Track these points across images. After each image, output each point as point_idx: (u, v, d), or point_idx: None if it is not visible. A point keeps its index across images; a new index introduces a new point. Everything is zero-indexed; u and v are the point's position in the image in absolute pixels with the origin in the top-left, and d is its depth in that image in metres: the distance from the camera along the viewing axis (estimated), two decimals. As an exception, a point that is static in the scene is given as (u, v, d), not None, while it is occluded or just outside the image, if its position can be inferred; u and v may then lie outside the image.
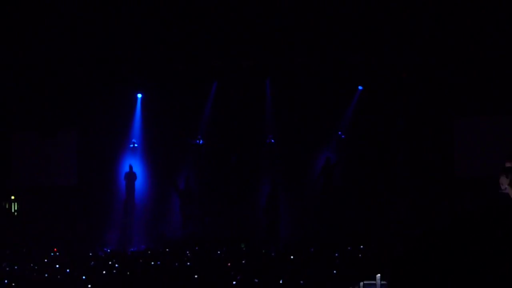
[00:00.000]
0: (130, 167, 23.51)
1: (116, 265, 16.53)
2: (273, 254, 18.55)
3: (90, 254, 19.27)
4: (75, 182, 23.51)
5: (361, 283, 10.11)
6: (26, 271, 15.99)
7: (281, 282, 14.13)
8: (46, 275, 15.17)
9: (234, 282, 14.12)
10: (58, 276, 15.05)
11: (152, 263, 16.57)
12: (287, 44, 21.92)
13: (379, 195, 22.35)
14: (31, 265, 16.74)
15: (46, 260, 17.74)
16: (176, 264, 16.05)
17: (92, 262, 16.93)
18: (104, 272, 15.44)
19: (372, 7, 21.04)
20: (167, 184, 23.62)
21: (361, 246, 19.00)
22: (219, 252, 18.95)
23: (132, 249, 20.88)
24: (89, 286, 14.27)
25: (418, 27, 21.21)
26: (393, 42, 21.46)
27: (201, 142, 23.31)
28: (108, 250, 20.55)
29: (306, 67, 22.23)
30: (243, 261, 16.40)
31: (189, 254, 18.35)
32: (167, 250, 19.57)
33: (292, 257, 17.10)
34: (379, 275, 9.80)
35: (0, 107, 23.40)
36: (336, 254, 17.41)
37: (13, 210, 23.85)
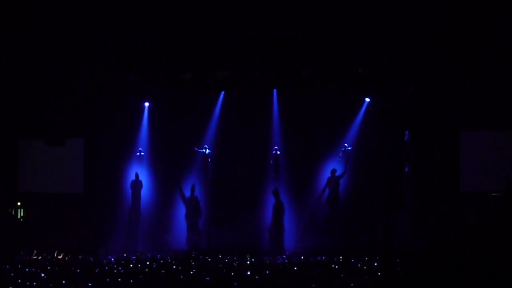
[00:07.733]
0: (136, 176, 23.57)
1: (121, 270, 16.59)
2: (278, 265, 18.53)
3: (94, 261, 19.31)
4: (81, 190, 23.55)
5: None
6: (31, 276, 16.00)
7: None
8: (50, 284, 15.19)
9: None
10: (63, 282, 15.07)
11: (156, 270, 16.58)
12: (294, 56, 21.98)
13: (385, 207, 22.33)
14: (37, 271, 16.76)
15: (50, 267, 17.75)
16: (181, 276, 16.04)
17: (97, 269, 16.94)
18: (108, 280, 15.44)
19: (379, 20, 21.08)
20: (173, 192, 23.65)
21: (366, 258, 19.01)
22: (223, 262, 18.94)
23: (134, 257, 20.87)
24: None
25: (426, 39, 21.25)
26: (401, 55, 21.49)
27: (207, 152, 23.35)
28: (112, 259, 20.55)
29: (313, 79, 22.27)
30: (248, 272, 16.39)
31: (193, 264, 18.35)
32: (171, 259, 19.57)
33: (296, 268, 17.09)
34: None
35: (8, 113, 23.51)
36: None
37: (19, 216, 23.91)
